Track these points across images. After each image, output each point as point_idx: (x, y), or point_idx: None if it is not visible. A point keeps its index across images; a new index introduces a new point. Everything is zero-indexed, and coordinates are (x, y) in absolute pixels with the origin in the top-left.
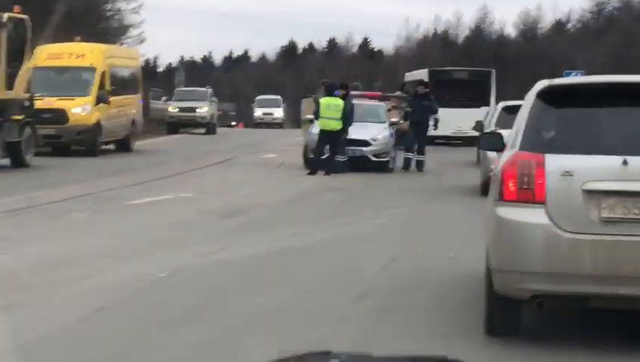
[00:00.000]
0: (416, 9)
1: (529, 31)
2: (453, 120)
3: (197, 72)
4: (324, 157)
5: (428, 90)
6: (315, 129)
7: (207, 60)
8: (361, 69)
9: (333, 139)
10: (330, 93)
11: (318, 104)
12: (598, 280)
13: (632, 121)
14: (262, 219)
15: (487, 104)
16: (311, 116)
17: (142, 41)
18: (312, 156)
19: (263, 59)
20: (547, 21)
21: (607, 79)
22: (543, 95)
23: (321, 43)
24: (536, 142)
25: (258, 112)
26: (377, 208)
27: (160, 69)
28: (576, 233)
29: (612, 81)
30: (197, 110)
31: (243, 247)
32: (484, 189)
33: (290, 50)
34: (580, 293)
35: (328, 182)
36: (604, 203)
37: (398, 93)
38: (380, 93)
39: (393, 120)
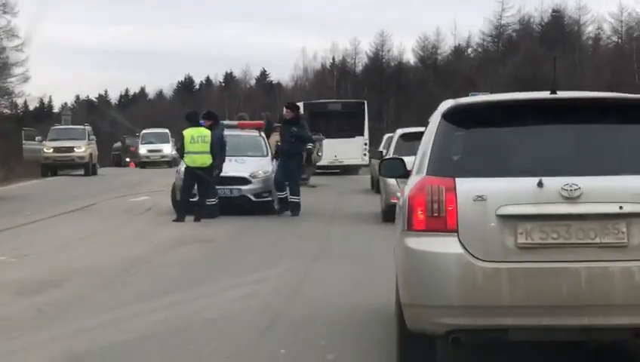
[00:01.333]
0: (313, 39)
1: (429, 57)
2: (329, 150)
3: (94, 110)
4: (194, 199)
5: (296, 114)
6: (183, 166)
7: (102, 99)
8: (259, 101)
9: (204, 178)
10: (193, 123)
11: (182, 137)
12: (517, 312)
13: (545, 139)
14: (75, 295)
15: (362, 134)
16: (175, 153)
17: (26, 80)
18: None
19: (160, 95)
20: (447, 46)
21: (516, 97)
22: (449, 116)
23: (217, 77)
24: (445, 166)
25: (143, 149)
26: (242, 270)
27: (55, 110)
28: (491, 261)
29: (521, 98)
30: (75, 150)
31: (21, 352)
32: (386, 217)
33: (186, 85)
34: (498, 326)
35: (194, 232)
36: (521, 228)
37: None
38: (262, 122)
39: None
